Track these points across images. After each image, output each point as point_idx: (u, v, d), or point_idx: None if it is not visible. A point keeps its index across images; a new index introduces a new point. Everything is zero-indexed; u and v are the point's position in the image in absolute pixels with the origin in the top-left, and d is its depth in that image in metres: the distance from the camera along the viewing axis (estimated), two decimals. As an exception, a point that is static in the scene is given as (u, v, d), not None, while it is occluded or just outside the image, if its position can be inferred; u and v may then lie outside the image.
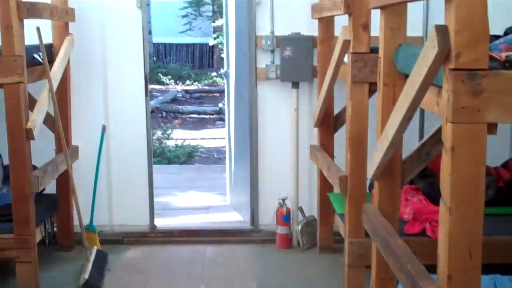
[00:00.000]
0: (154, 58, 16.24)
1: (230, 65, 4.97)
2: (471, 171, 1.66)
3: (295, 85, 4.28)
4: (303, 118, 4.31)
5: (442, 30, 1.63)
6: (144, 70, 4.31)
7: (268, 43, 4.24)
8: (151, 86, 14.44)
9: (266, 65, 4.28)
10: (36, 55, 3.51)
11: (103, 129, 4.27)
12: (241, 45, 4.55)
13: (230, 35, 4.92)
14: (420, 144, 2.56)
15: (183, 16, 15.98)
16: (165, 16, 16.47)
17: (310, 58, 4.18)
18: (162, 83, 14.58)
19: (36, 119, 3.36)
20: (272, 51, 4.29)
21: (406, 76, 2.16)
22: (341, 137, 3.74)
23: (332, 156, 4.01)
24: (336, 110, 3.99)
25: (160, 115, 11.26)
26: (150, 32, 16.05)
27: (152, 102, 11.47)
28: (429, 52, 1.72)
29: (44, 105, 3.52)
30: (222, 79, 6.96)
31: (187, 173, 6.99)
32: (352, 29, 3.10)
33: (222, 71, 5.28)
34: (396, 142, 2.31)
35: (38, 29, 3.41)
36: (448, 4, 1.61)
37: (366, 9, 3.01)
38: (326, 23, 3.90)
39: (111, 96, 4.32)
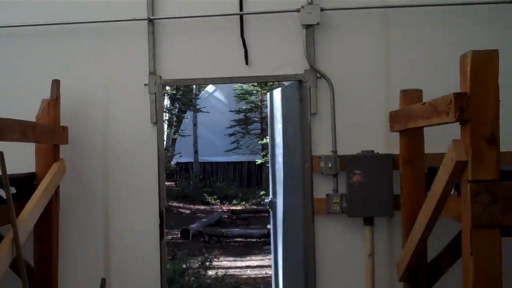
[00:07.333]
0: (200, 177, 15.55)
1: (278, 193, 3.82)
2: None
3: (368, 221, 3.07)
4: (381, 267, 3.16)
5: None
6: (160, 206, 3.20)
7: (329, 165, 3.11)
8: (196, 207, 14.05)
9: (327, 195, 3.09)
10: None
11: (102, 284, 3.12)
12: (292, 168, 3.43)
13: (277, 154, 3.83)
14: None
15: (231, 135, 15.42)
16: (212, 135, 15.96)
17: (389, 185, 3.00)
18: (207, 203, 13.64)
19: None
20: (335, 176, 3.13)
21: None
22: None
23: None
24: (431, 255, 2.79)
25: (202, 239, 10.15)
26: (196, 152, 15.63)
27: (195, 225, 10.55)
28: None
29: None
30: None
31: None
32: (469, 144, 1.93)
33: (267, 200, 4.12)
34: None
35: (1, 154, 2.39)
36: None
37: (492, 114, 1.87)
38: (413, 137, 2.77)
39: (115, 243, 3.23)
